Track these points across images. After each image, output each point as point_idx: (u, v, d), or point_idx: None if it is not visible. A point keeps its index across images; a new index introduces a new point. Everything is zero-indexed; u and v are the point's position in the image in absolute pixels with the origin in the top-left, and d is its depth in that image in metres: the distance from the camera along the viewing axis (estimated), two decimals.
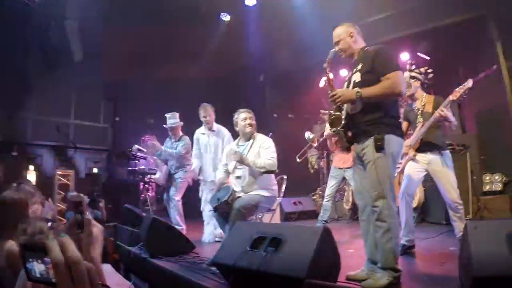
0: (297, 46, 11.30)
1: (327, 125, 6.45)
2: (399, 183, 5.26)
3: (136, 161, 10.49)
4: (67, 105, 11.29)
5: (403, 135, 3.72)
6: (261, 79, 12.80)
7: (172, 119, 7.16)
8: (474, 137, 8.00)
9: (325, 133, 6.82)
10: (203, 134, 6.90)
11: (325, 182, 7.89)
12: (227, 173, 5.52)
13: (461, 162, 6.87)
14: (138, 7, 9.82)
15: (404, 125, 4.99)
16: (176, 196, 6.90)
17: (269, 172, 5.14)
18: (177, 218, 6.81)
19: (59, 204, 9.39)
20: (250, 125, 5.38)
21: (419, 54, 9.18)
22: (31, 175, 10.15)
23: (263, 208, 5.20)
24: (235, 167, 5.36)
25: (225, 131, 6.87)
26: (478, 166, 7.68)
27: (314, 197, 10.34)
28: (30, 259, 1.06)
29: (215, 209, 4.93)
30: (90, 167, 12.19)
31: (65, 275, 0.95)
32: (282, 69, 12.19)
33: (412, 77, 5.08)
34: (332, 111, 3.80)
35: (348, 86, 3.79)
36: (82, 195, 1.99)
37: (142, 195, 10.18)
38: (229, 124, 6.24)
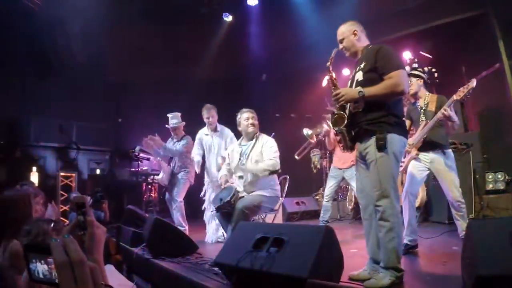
0: (299, 46, 11.31)
1: (329, 123, 6.47)
2: (402, 183, 5.26)
3: (139, 162, 10.51)
4: (70, 107, 11.28)
5: (407, 134, 3.72)
6: (263, 78, 12.79)
7: (174, 119, 7.15)
8: (477, 136, 7.98)
9: (323, 130, 6.81)
10: (207, 135, 6.91)
11: None
12: (230, 172, 5.53)
13: (463, 161, 6.86)
14: (140, 8, 9.84)
15: (407, 123, 4.97)
16: (178, 197, 6.89)
17: (272, 172, 5.15)
18: (179, 219, 6.81)
19: (62, 205, 9.40)
20: (253, 124, 5.39)
21: (421, 52, 9.17)
22: (34, 176, 10.16)
23: (265, 208, 5.19)
24: (238, 167, 5.36)
25: (228, 131, 6.88)
26: (480, 165, 7.66)
27: (317, 197, 10.33)
28: (33, 260, 1.07)
29: (218, 210, 4.93)
30: (92, 168, 12.21)
31: (68, 276, 0.95)
32: (284, 69, 12.18)
33: (415, 76, 5.07)
34: (335, 110, 3.80)
35: (351, 85, 3.79)
36: (84, 196, 1.99)
37: (145, 196, 10.18)
38: (231, 124, 6.25)
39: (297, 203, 9.63)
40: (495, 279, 2.27)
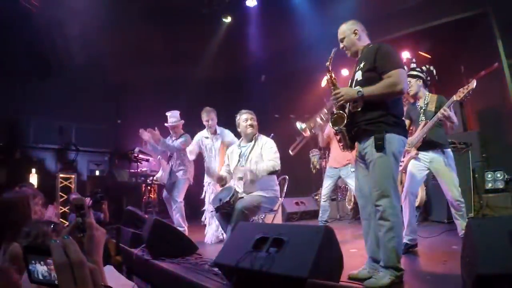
0: (298, 46, 11.32)
1: (323, 117, 6.45)
2: (401, 182, 5.26)
3: (138, 163, 10.51)
4: (69, 108, 11.29)
5: (406, 133, 3.71)
6: (262, 79, 12.80)
7: (173, 117, 7.16)
8: (476, 135, 7.98)
9: (317, 124, 6.78)
10: (207, 138, 6.91)
11: None
12: (229, 173, 5.53)
13: (463, 160, 6.86)
14: (139, 9, 9.84)
15: (406, 123, 4.97)
16: (178, 198, 6.89)
17: (272, 172, 5.15)
18: (179, 219, 6.81)
19: (61, 207, 9.41)
20: (252, 126, 5.39)
21: (420, 52, 9.17)
22: (34, 178, 10.18)
23: (265, 208, 5.19)
24: (237, 170, 5.36)
25: (228, 132, 6.89)
26: (480, 164, 7.66)
27: (316, 197, 10.33)
28: (33, 261, 1.07)
29: (217, 210, 4.93)
30: (92, 169, 12.21)
31: (68, 277, 0.95)
32: (283, 69, 12.19)
33: (414, 76, 5.07)
34: (334, 110, 3.80)
35: (351, 85, 3.80)
36: (83, 198, 1.99)
37: (145, 197, 10.19)
38: (231, 125, 6.25)
39: (297, 203, 9.63)
40: (494, 278, 2.27)
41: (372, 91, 3.42)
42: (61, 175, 10.04)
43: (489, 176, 7.59)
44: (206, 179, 6.93)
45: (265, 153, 5.20)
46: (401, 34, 9.35)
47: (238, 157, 5.38)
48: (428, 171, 4.89)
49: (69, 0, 9.35)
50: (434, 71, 5.31)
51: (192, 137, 7.06)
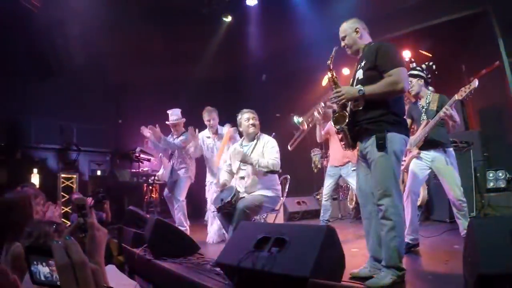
0: (299, 45, 11.30)
1: (320, 110, 6.43)
2: (403, 182, 5.25)
3: (140, 162, 10.51)
4: (70, 108, 11.29)
5: (407, 132, 3.71)
6: (263, 79, 12.79)
7: (174, 115, 7.16)
8: (478, 134, 7.98)
9: (315, 118, 6.76)
10: (208, 137, 6.91)
11: None
12: (231, 173, 5.53)
13: (464, 159, 6.85)
14: (140, 9, 9.84)
15: (408, 122, 4.96)
16: (180, 197, 6.89)
17: (272, 172, 5.15)
18: (181, 218, 6.81)
19: (63, 207, 9.41)
20: (254, 125, 5.40)
21: (421, 51, 9.16)
22: (35, 178, 10.17)
23: (266, 208, 5.20)
24: (239, 168, 5.37)
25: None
26: (481, 163, 7.66)
27: (318, 197, 10.32)
28: (35, 262, 1.07)
29: (219, 210, 4.93)
30: (93, 169, 12.21)
31: (70, 278, 0.95)
32: (284, 69, 12.18)
33: (415, 76, 5.06)
34: (336, 109, 3.80)
35: (352, 83, 3.79)
36: (85, 198, 1.98)
37: (146, 197, 10.19)
38: (232, 124, 6.26)
39: (298, 202, 9.62)
40: (496, 277, 2.27)
41: (373, 90, 3.42)
42: (63, 175, 10.04)
43: (491, 175, 7.58)
44: (208, 179, 6.94)
45: (267, 152, 5.21)
46: (402, 33, 9.34)
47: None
48: (430, 170, 4.89)
49: (69, 0, 9.35)
50: (434, 66, 5.31)
51: None
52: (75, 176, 10.26)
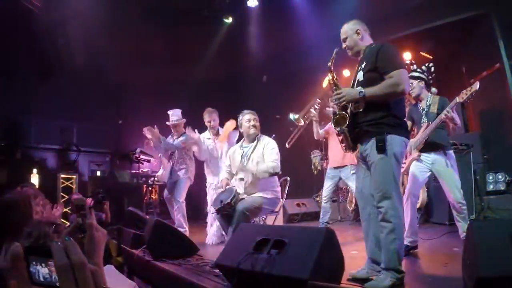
0: (299, 46, 11.30)
1: (317, 107, 6.41)
2: (403, 184, 5.25)
3: (140, 163, 10.50)
4: (70, 108, 11.31)
5: (408, 134, 3.71)
6: (264, 80, 12.79)
7: (175, 116, 7.15)
8: (478, 136, 7.97)
9: (311, 115, 6.73)
10: (209, 139, 6.91)
11: None
12: (230, 174, 5.53)
13: (464, 162, 6.85)
14: (140, 9, 9.84)
15: (408, 124, 4.96)
16: (180, 198, 6.87)
17: (272, 174, 5.15)
18: (180, 220, 6.80)
19: (63, 207, 9.41)
20: (254, 126, 5.40)
21: (421, 53, 9.17)
22: (35, 178, 10.17)
23: (266, 210, 5.20)
24: (239, 170, 5.37)
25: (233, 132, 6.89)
26: (481, 166, 7.66)
27: (317, 199, 10.31)
28: (34, 263, 1.06)
29: (218, 211, 4.93)
30: (93, 170, 12.21)
31: (69, 279, 0.95)
32: (285, 70, 12.18)
33: (416, 78, 5.06)
34: (337, 110, 3.79)
35: (353, 85, 3.79)
36: (84, 198, 1.99)
37: (146, 198, 10.19)
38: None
39: (298, 204, 9.62)
40: (496, 280, 2.27)
41: (374, 92, 3.41)
42: (62, 176, 10.05)
43: (491, 177, 7.58)
44: (209, 180, 6.94)
45: (267, 154, 5.21)
46: (402, 35, 9.34)
47: (240, 157, 5.38)
48: (430, 173, 4.89)
49: (70, 1, 9.36)
50: (432, 69, 5.32)
51: None
52: (74, 176, 10.27)
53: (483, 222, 4.81)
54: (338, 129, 3.68)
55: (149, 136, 6.94)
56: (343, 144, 3.80)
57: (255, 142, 5.40)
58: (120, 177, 11.39)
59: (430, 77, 5.24)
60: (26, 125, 11.36)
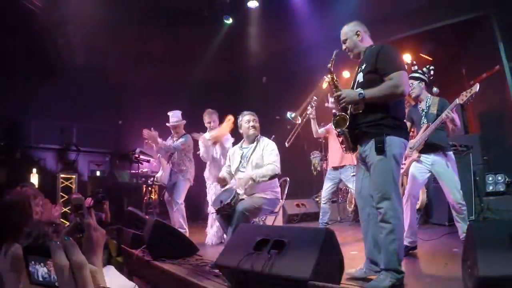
0: (299, 48, 11.31)
1: (313, 104, 6.41)
2: (402, 185, 5.25)
3: (139, 164, 10.50)
4: (70, 108, 11.31)
5: (407, 135, 3.71)
6: (263, 81, 12.79)
7: (175, 117, 7.10)
8: (477, 138, 7.98)
9: (308, 113, 6.71)
10: (209, 140, 6.90)
11: None
12: (230, 174, 5.53)
13: (464, 163, 6.85)
14: (141, 9, 9.84)
15: (407, 125, 4.96)
16: (179, 199, 6.84)
17: (272, 177, 5.14)
18: (180, 221, 6.77)
19: (62, 207, 9.41)
20: (254, 127, 5.39)
21: (421, 54, 9.17)
22: (34, 178, 10.17)
23: (266, 210, 5.19)
24: (238, 169, 5.36)
25: (228, 136, 6.87)
26: (481, 167, 7.66)
27: (317, 199, 10.30)
28: (33, 262, 1.06)
29: (218, 212, 4.93)
30: (93, 169, 12.22)
31: (69, 279, 0.95)
32: (284, 71, 12.18)
33: (416, 78, 5.07)
34: (337, 112, 3.79)
35: (353, 86, 3.79)
36: (82, 198, 1.97)
37: (145, 198, 10.18)
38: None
39: (297, 205, 9.61)
40: (495, 281, 2.27)
41: (374, 94, 3.42)
42: (62, 175, 10.04)
43: (490, 179, 7.58)
44: (208, 182, 6.93)
45: (266, 156, 5.20)
46: (402, 37, 9.34)
47: (240, 158, 5.37)
48: (429, 174, 4.90)
49: (71, 1, 9.36)
50: (432, 71, 5.32)
51: (195, 140, 7.05)
52: (74, 176, 10.26)
53: (482, 223, 4.82)
54: (338, 130, 3.68)
55: (148, 139, 6.87)
56: (343, 146, 3.80)
57: (255, 143, 5.39)
58: (120, 177, 11.39)
59: (431, 78, 5.23)
60: (25, 125, 11.38)
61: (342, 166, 6.40)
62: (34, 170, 10.43)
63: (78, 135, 12.07)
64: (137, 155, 10.20)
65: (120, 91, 12.51)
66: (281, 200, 5.61)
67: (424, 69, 5.24)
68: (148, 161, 10.74)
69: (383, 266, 3.31)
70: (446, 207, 6.01)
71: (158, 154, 7.26)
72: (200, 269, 4.18)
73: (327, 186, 6.55)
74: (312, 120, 6.60)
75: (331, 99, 5.53)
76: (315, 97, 6.60)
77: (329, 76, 3.87)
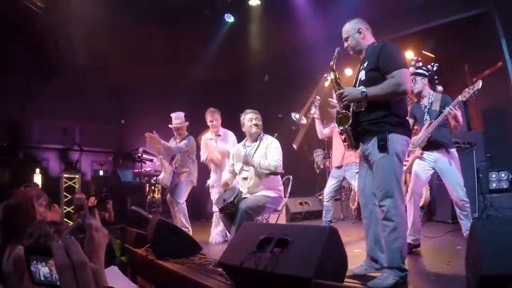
0: (301, 46, 11.29)
1: (317, 104, 6.40)
2: (406, 183, 5.24)
3: (142, 163, 10.51)
4: (73, 109, 11.34)
5: (409, 133, 3.71)
6: (265, 79, 12.78)
7: (177, 119, 7.08)
8: (480, 135, 7.94)
9: (312, 113, 6.70)
10: (210, 139, 6.89)
11: None
12: (233, 174, 5.53)
13: (467, 160, 6.83)
14: (142, 9, 9.84)
15: (410, 122, 4.95)
16: (180, 199, 6.83)
17: (273, 173, 5.14)
18: (182, 220, 6.77)
19: (65, 207, 9.43)
20: (256, 125, 5.40)
21: (424, 51, 9.14)
22: (38, 178, 10.20)
23: (269, 208, 5.20)
24: (242, 168, 5.37)
25: (231, 134, 6.87)
26: (484, 164, 7.63)
27: (320, 197, 10.29)
28: (34, 262, 1.06)
29: (221, 210, 4.93)
30: (96, 169, 12.23)
31: (70, 278, 0.94)
32: (286, 69, 12.17)
33: (419, 74, 5.06)
34: (339, 109, 3.79)
35: (355, 84, 3.79)
36: (83, 198, 1.97)
37: (148, 197, 10.19)
38: (233, 125, 6.25)
39: (301, 203, 9.61)
40: (499, 278, 2.26)
41: (376, 92, 3.41)
42: (65, 175, 10.05)
43: (494, 176, 7.56)
44: (211, 181, 6.93)
45: (270, 153, 5.21)
46: (404, 34, 9.31)
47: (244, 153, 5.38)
48: (433, 171, 4.89)
49: (72, 1, 9.36)
50: (436, 68, 5.31)
51: (195, 137, 7.04)
52: (77, 176, 10.27)
53: (486, 220, 4.80)
54: (341, 128, 3.68)
55: (152, 141, 6.80)
56: (346, 143, 3.80)
57: (258, 141, 5.40)
58: (123, 177, 11.40)
59: (436, 77, 5.23)
60: (28, 125, 11.39)
61: (346, 164, 6.39)
62: (37, 170, 10.46)
63: (80, 135, 12.09)
64: (140, 154, 10.20)
65: (122, 91, 12.52)
66: (284, 198, 5.62)
67: (429, 66, 5.24)
68: (151, 160, 10.74)
69: (387, 264, 3.31)
70: (449, 204, 6.01)
71: (160, 156, 7.25)
72: (204, 268, 4.18)
73: (331, 184, 6.53)
74: (316, 120, 6.60)
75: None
76: (318, 97, 6.59)
77: (331, 74, 3.87)
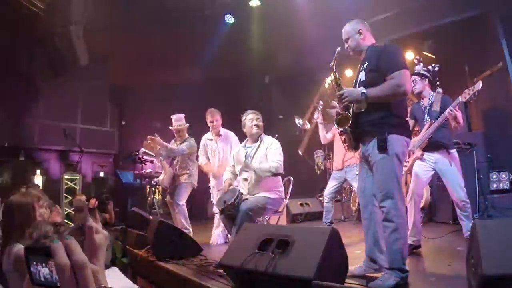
0: (301, 47, 11.29)
1: (320, 108, 6.40)
2: (406, 183, 5.23)
3: (143, 164, 10.51)
4: (74, 110, 11.35)
5: (409, 134, 3.71)
6: (266, 80, 12.79)
7: (178, 121, 7.07)
8: (481, 135, 7.95)
9: (315, 118, 6.70)
10: (211, 140, 6.89)
11: None
12: (234, 175, 5.53)
13: (467, 161, 6.83)
14: (142, 11, 9.85)
15: (410, 123, 4.95)
16: (180, 201, 6.80)
17: (274, 175, 5.14)
18: (183, 222, 6.76)
19: (66, 208, 9.43)
20: (257, 126, 5.40)
21: (424, 52, 9.15)
22: (38, 180, 10.20)
23: (269, 210, 5.20)
24: (242, 169, 5.37)
25: (231, 135, 6.86)
26: (485, 165, 7.63)
27: (321, 198, 10.27)
28: (34, 263, 1.06)
29: (222, 212, 4.93)
30: (96, 171, 12.23)
31: (70, 279, 0.94)
32: (287, 70, 12.18)
33: (420, 75, 5.06)
34: (339, 110, 3.79)
35: (355, 85, 3.79)
36: (83, 200, 1.97)
37: (149, 198, 10.19)
38: (234, 126, 6.24)
39: (301, 204, 9.59)
40: (500, 279, 2.26)
41: (376, 93, 3.41)
42: (66, 177, 10.05)
43: (494, 176, 7.56)
44: (211, 182, 6.93)
45: (270, 154, 5.21)
46: (405, 34, 9.32)
47: (244, 157, 5.38)
48: (433, 172, 4.89)
49: (73, 2, 9.37)
50: (437, 68, 5.31)
51: (196, 138, 7.03)
52: (78, 177, 10.27)
53: (487, 221, 4.79)
54: (341, 129, 3.68)
55: (151, 146, 6.80)
56: (346, 144, 3.80)
57: (258, 142, 5.40)
58: (124, 178, 11.40)
59: (437, 78, 5.23)
60: (29, 126, 11.38)
61: (347, 166, 6.39)
62: (38, 171, 10.47)
63: (81, 136, 12.08)
64: (140, 156, 10.20)
65: (123, 92, 12.53)
66: (285, 200, 5.62)
67: (430, 67, 5.24)
68: (151, 162, 10.72)
69: (387, 265, 3.31)
70: (450, 205, 6.01)
71: (160, 157, 7.25)
72: (204, 269, 4.18)
73: (331, 185, 6.54)
74: (320, 125, 6.61)
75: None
76: (321, 102, 6.60)
77: (331, 75, 3.87)
